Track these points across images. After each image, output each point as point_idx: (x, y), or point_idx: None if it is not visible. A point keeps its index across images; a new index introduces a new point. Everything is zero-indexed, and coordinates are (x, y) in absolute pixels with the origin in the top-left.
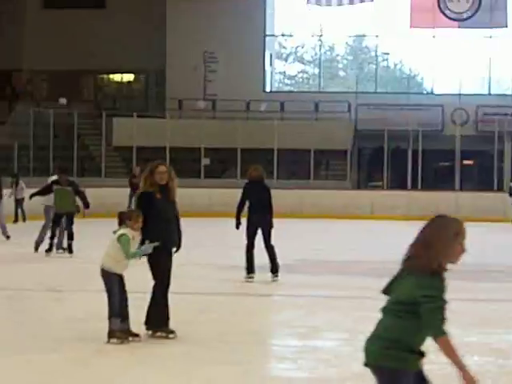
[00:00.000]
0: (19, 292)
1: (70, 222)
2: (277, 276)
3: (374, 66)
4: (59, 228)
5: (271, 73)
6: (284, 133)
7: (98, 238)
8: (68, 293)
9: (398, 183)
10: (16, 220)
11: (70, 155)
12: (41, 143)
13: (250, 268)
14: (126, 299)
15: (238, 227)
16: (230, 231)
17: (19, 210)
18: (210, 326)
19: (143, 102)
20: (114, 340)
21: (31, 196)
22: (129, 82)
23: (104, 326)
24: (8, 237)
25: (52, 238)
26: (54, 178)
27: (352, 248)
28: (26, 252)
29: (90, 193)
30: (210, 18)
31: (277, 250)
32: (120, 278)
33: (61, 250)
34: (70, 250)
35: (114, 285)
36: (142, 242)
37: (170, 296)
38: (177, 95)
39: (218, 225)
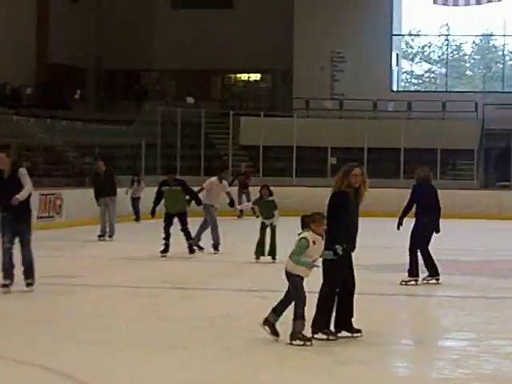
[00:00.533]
0: (148, 290)
1: (184, 222)
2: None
3: (502, 65)
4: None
5: (398, 72)
6: (411, 132)
7: (224, 237)
8: (206, 291)
9: None
10: (137, 219)
11: (197, 154)
12: (168, 142)
13: (416, 271)
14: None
15: (398, 228)
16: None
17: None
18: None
19: (270, 101)
20: (297, 342)
21: (152, 213)
22: (256, 81)
23: (236, 325)
24: (110, 236)
25: (166, 238)
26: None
27: (480, 248)
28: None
29: None
30: (337, 17)
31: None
32: (302, 279)
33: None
34: (190, 249)
35: (298, 286)
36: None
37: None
38: (304, 94)
39: None
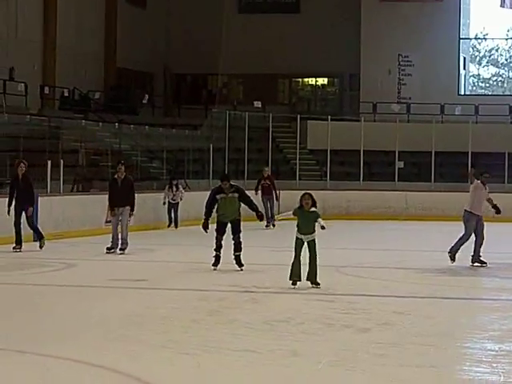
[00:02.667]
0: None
1: (237, 231)
2: None
3: None
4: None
5: (465, 76)
6: (478, 136)
7: (291, 241)
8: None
9: None
10: (169, 224)
11: (264, 158)
12: (236, 146)
13: None
14: None
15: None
16: (428, 235)
17: (173, 215)
18: (405, 328)
19: (337, 105)
20: None
21: (204, 228)
22: (323, 85)
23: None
24: (122, 249)
25: (217, 249)
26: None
27: None
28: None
29: (284, 195)
30: (404, 21)
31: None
32: None
33: None
34: (238, 262)
35: None
36: None
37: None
38: (371, 98)
39: (415, 228)
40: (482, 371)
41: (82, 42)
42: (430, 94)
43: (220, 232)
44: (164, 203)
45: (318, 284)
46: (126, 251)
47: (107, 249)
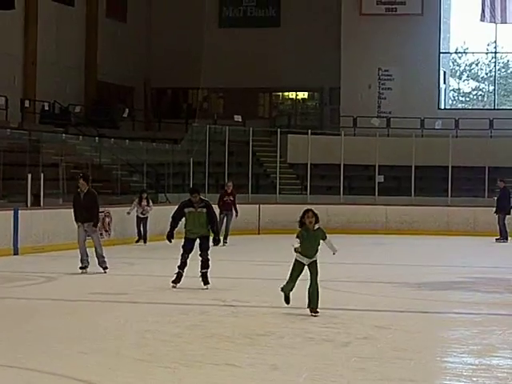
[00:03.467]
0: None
1: (205, 248)
2: None
3: None
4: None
5: (445, 90)
6: (459, 150)
7: (272, 254)
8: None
9: None
10: (138, 240)
11: (245, 172)
12: (216, 160)
13: None
14: None
15: None
16: (408, 248)
17: (142, 229)
18: (385, 342)
19: (318, 119)
20: None
21: (169, 239)
22: (303, 99)
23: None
24: (105, 268)
25: (181, 267)
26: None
27: None
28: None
29: (264, 209)
30: (384, 35)
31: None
32: None
33: None
34: (204, 279)
35: None
36: None
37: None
38: (351, 112)
39: (395, 242)
40: None
41: (63, 55)
42: (410, 108)
43: (186, 249)
44: (128, 213)
45: (318, 312)
46: (107, 270)
47: (80, 268)
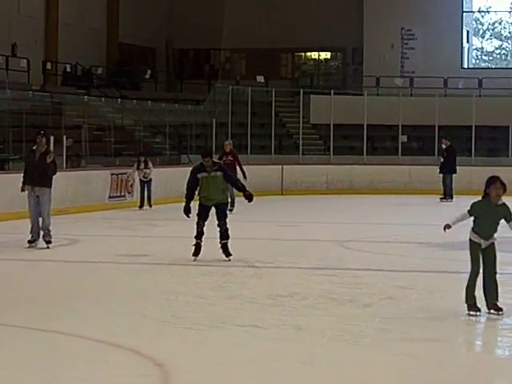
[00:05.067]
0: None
1: (222, 216)
2: None
3: None
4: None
5: (468, 49)
6: (482, 109)
7: (296, 215)
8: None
9: None
10: (141, 205)
11: (267, 133)
12: (239, 121)
13: None
14: None
15: None
16: (432, 208)
17: (145, 194)
18: (408, 302)
19: (340, 79)
20: None
21: (186, 213)
22: (326, 59)
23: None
24: (48, 242)
25: (198, 236)
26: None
27: None
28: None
29: (286, 170)
30: None
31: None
32: None
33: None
34: (225, 251)
35: None
36: None
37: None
38: (374, 72)
39: (418, 202)
40: (486, 343)
41: (84, 17)
42: (433, 68)
43: (202, 217)
44: (128, 178)
45: (501, 310)
46: (51, 244)
47: (28, 242)
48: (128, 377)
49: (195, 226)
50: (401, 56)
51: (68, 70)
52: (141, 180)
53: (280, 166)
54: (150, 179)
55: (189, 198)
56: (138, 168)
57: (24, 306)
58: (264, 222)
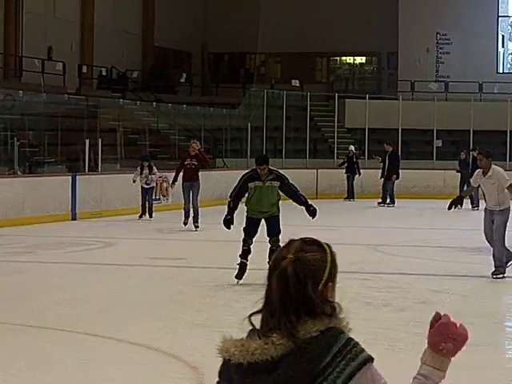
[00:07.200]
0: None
1: (275, 231)
2: None
3: None
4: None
5: (503, 54)
6: None
7: (331, 219)
8: None
9: None
10: (141, 214)
11: (302, 136)
12: (273, 125)
13: None
14: None
15: None
16: (467, 213)
17: (147, 203)
18: (443, 307)
19: (375, 83)
20: None
21: (227, 224)
22: (361, 63)
23: None
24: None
25: (243, 255)
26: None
27: None
28: None
29: (321, 174)
30: None
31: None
32: None
33: None
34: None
35: None
36: None
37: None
38: (409, 77)
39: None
40: None
41: (120, 21)
42: (468, 73)
43: (249, 233)
44: (134, 181)
45: None
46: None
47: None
48: (164, 379)
49: (241, 243)
50: (436, 60)
51: (103, 73)
52: (142, 187)
53: (315, 170)
54: (153, 187)
55: (232, 207)
56: (140, 173)
57: (60, 309)
58: (299, 225)
